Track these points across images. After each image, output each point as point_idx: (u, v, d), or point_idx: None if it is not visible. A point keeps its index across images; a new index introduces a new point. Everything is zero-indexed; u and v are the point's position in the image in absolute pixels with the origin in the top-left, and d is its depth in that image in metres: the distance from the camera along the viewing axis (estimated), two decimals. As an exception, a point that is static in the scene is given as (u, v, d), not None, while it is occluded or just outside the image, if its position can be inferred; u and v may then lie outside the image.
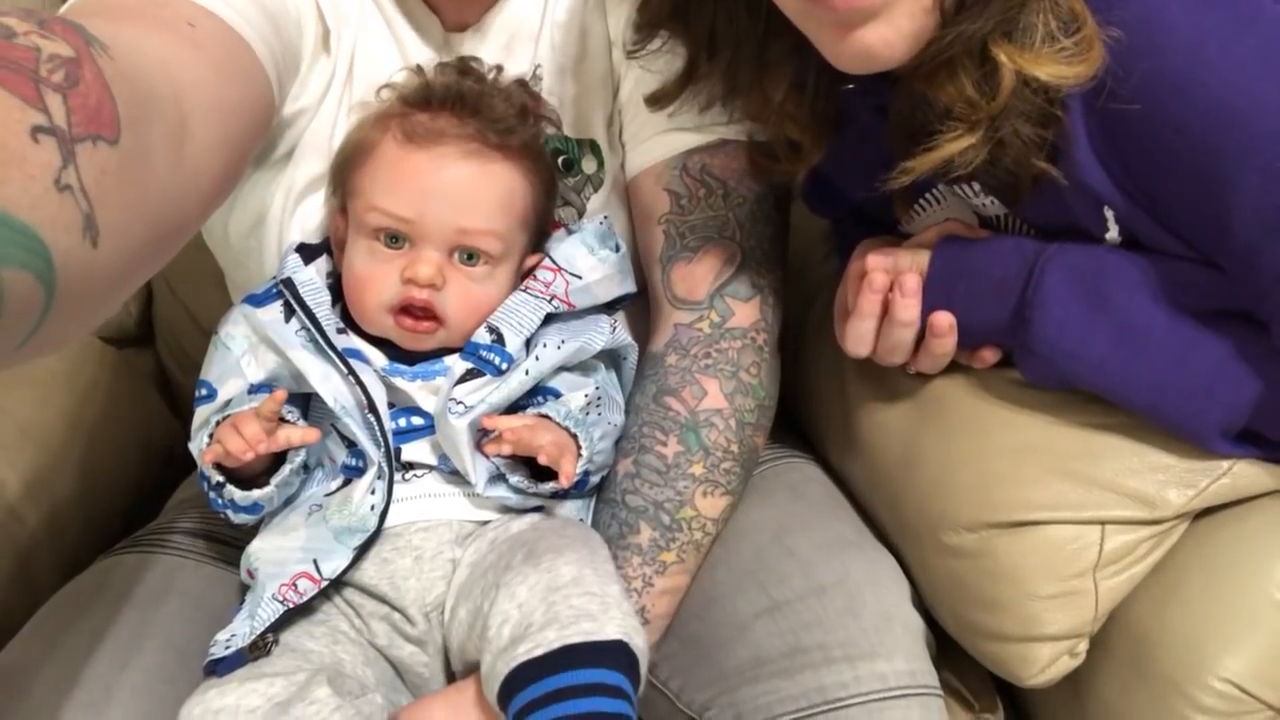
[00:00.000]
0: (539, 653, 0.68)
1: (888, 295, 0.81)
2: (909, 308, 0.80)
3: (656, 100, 0.86)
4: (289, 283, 0.83)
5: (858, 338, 0.83)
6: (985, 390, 0.83)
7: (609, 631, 0.70)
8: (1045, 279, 0.76)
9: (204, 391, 0.84)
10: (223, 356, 0.84)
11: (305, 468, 0.84)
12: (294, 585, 0.78)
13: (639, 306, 0.93)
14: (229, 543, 0.92)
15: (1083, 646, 0.80)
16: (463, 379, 0.81)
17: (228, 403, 0.82)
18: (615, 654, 0.69)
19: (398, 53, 0.89)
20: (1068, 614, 0.78)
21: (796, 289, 1.01)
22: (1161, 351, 0.74)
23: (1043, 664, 0.79)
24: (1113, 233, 0.76)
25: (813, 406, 1.00)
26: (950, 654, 0.85)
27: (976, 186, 0.81)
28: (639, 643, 0.71)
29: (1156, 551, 0.78)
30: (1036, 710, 0.92)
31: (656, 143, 0.89)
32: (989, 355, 0.83)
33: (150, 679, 0.78)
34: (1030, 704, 0.92)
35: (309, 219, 0.88)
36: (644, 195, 0.90)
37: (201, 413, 0.83)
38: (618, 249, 0.89)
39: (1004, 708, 0.90)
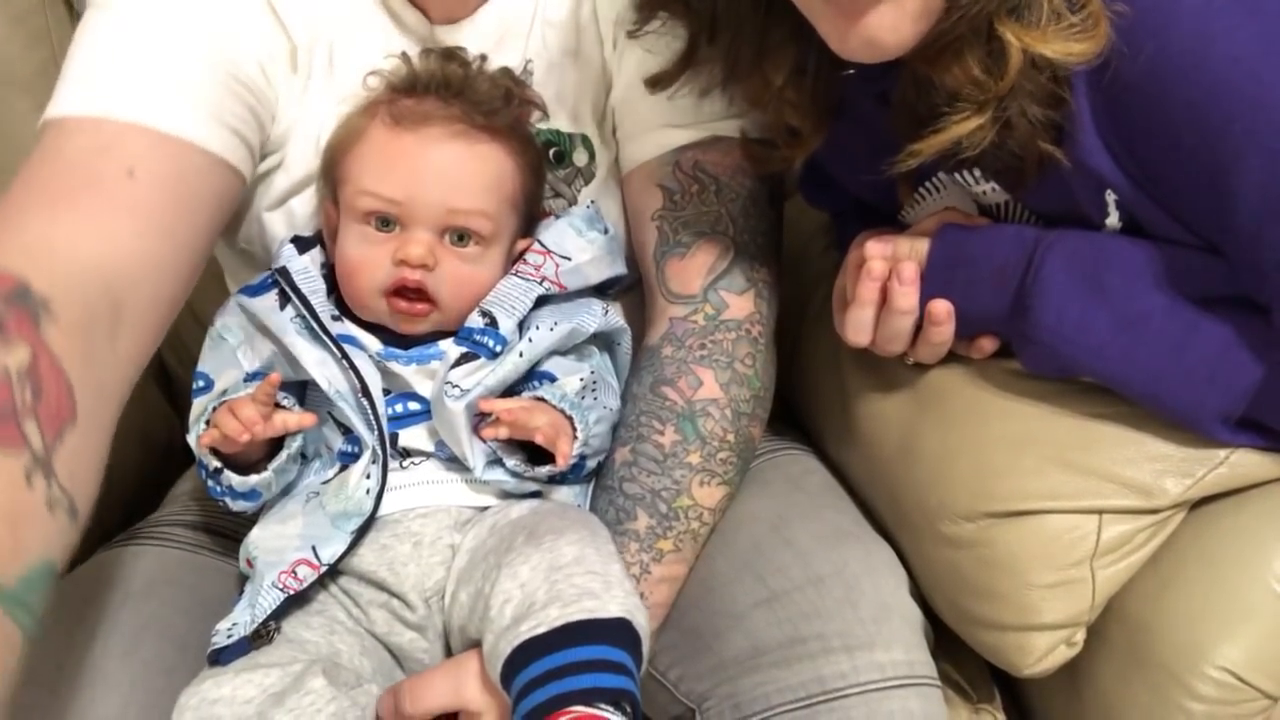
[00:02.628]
0: (542, 630, 0.69)
1: (886, 284, 0.81)
2: (907, 295, 0.80)
3: (656, 83, 0.87)
4: (283, 271, 0.84)
5: (857, 326, 0.83)
6: (983, 380, 0.83)
7: (611, 609, 0.70)
8: (1045, 266, 0.76)
9: (200, 383, 0.84)
10: (218, 347, 0.84)
11: (303, 457, 0.84)
12: (293, 572, 0.78)
13: (633, 303, 0.94)
14: (227, 535, 0.92)
15: (1080, 636, 0.80)
16: (458, 363, 0.81)
17: (224, 392, 0.82)
18: (618, 631, 0.70)
19: (384, 46, 0.89)
20: (1065, 603, 0.78)
21: (795, 283, 1.01)
22: (1161, 338, 0.74)
23: (1040, 653, 0.80)
24: (1113, 218, 0.76)
25: (811, 399, 1.00)
26: (948, 646, 0.85)
27: (978, 173, 0.81)
28: (641, 621, 0.72)
29: (1154, 541, 0.79)
30: (1034, 702, 0.92)
31: (649, 139, 0.90)
32: (987, 344, 0.83)
33: (149, 670, 0.78)
34: (1027, 696, 0.92)
35: (302, 210, 0.89)
36: (637, 191, 0.91)
37: (198, 404, 0.83)
38: (606, 231, 0.90)
39: (1001, 700, 0.90)
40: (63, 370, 0.64)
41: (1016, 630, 0.80)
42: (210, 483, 0.81)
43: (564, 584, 0.71)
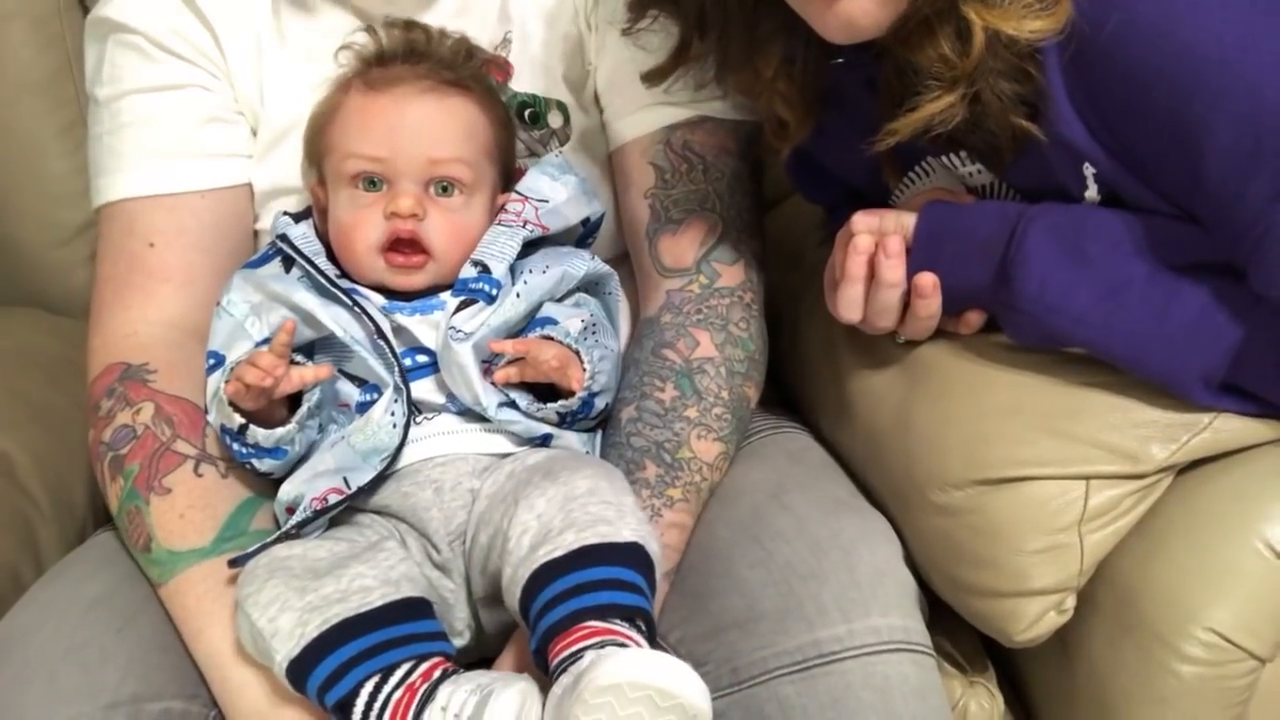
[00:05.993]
0: (558, 554, 0.72)
1: (873, 258, 0.83)
2: (893, 268, 0.82)
3: (650, 78, 0.91)
4: (284, 238, 0.88)
5: (847, 303, 0.85)
6: (972, 354, 0.85)
7: (624, 535, 0.73)
8: (1027, 237, 0.78)
9: (212, 361, 0.86)
10: (226, 323, 0.87)
11: (320, 428, 0.86)
12: (324, 499, 0.81)
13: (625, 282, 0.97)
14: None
15: (1070, 601, 0.81)
16: (459, 310, 0.84)
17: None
18: (631, 553, 0.73)
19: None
20: (1054, 568, 0.79)
21: (792, 275, 1.04)
22: (1142, 304, 0.76)
23: (1031, 620, 0.80)
24: (1091, 191, 0.78)
25: (808, 384, 1.02)
26: (942, 621, 0.86)
27: (963, 155, 0.84)
28: (654, 548, 0.74)
29: (1141, 506, 0.80)
30: (1027, 673, 0.93)
31: (642, 116, 0.95)
32: (974, 319, 0.85)
33: (146, 646, 0.79)
34: (1020, 668, 0.93)
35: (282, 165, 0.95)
36: (630, 168, 0.96)
37: (213, 380, 0.85)
38: (577, 176, 0.93)
39: (995, 674, 0.91)
40: (181, 397, 0.86)
41: (1007, 596, 0.81)
42: (235, 445, 0.83)
43: (579, 512, 0.74)
